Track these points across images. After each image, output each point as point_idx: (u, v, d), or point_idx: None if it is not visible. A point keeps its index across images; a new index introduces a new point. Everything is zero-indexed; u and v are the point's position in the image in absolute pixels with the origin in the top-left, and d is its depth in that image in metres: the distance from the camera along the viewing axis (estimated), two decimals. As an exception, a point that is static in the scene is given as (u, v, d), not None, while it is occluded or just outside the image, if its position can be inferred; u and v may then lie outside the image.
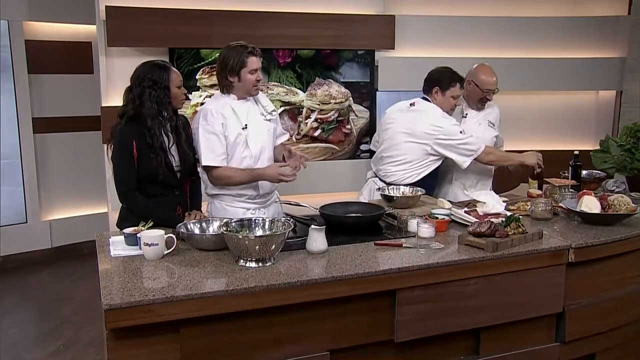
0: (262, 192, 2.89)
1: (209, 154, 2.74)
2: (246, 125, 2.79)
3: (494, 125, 3.45)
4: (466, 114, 3.39)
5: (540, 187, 3.17)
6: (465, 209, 2.67)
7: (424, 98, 3.23)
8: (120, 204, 2.67)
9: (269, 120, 2.91)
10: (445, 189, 3.38)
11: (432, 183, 3.25)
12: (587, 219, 2.62)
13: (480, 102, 3.35)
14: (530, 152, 3.26)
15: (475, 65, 3.36)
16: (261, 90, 2.98)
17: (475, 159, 3.14)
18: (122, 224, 2.56)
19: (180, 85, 2.62)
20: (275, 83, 4.39)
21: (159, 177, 2.55)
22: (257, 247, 2.00)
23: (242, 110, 2.81)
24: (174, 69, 2.64)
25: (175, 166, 2.63)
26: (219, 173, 2.77)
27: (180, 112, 2.76)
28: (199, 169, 2.85)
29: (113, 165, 2.57)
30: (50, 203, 5.15)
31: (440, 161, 3.19)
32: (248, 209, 2.88)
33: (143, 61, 2.66)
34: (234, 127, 2.78)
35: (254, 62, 2.74)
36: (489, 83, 3.27)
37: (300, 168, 2.77)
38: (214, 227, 2.33)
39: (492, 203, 2.67)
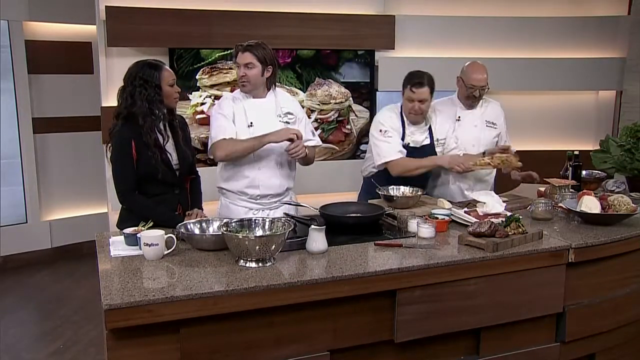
0: (265, 192, 2.87)
1: (217, 131, 2.79)
2: (252, 123, 2.80)
3: (494, 124, 3.35)
4: (459, 117, 3.28)
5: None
6: (465, 209, 2.67)
7: None
8: (121, 205, 2.67)
9: (286, 122, 2.88)
10: (444, 191, 3.35)
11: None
12: (587, 219, 2.62)
13: (467, 99, 3.25)
14: (450, 154, 3.11)
15: (467, 63, 3.28)
16: (280, 87, 3.04)
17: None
18: (122, 224, 2.56)
19: (172, 83, 2.61)
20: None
21: (158, 175, 2.56)
22: (257, 247, 2.00)
23: (252, 107, 2.83)
24: (167, 67, 2.63)
25: (174, 164, 2.64)
26: (221, 144, 2.75)
27: (179, 112, 2.77)
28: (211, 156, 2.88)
29: (112, 166, 2.58)
30: (50, 203, 5.15)
31: None
32: (250, 209, 2.88)
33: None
34: (240, 122, 2.80)
35: (238, 57, 2.79)
36: (473, 79, 3.15)
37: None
38: (213, 227, 2.33)
39: (492, 203, 2.66)
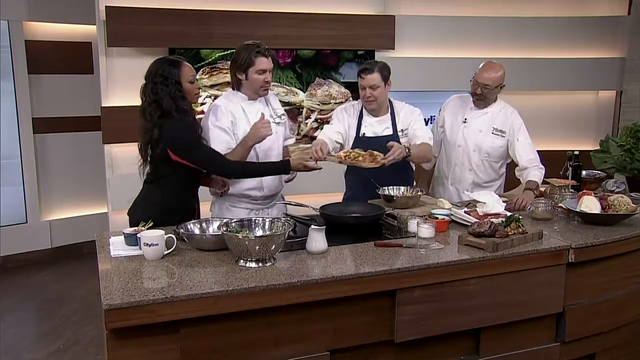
0: (268, 192, 2.90)
1: (216, 146, 2.76)
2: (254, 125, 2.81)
3: (502, 132, 3.16)
4: (465, 119, 3.22)
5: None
6: (465, 209, 2.67)
7: None
8: (127, 205, 2.70)
9: (278, 123, 2.93)
10: (442, 193, 3.31)
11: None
12: (587, 219, 2.62)
13: (472, 96, 3.16)
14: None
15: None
16: (271, 91, 3.01)
17: None
18: (135, 215, 2.58)
19: (192, 80, 2.62)
20: (275, 83, 4.39)
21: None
22: (257, 247, 2.00)
23: (251, 111, 2.83)
24: (187, 63, 2.64)
25: None
26: None
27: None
28: None
29: (197, 156, 2.55)
30: (50, 203, 5.15)
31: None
32: (252, 210, 2.90)
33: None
34: (242, 126, 2.80)
35: (263, 62, 2.75)
36: (478, 76, 3.07)
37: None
38: (213, 227, 2.33)
39: (492, 203, 2.66)
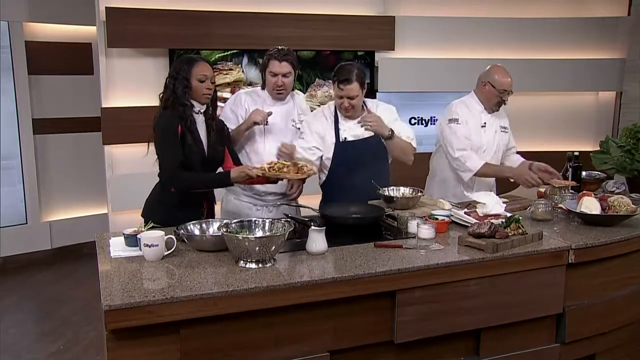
0: (270, 189, 2.90)
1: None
2: (267, 122, 2.85)
3: (505, 129, 3.32)
4: (485, 123, 3.23)
5: None
6: (465, 210, 2.67)
7: None
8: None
9: (299, 128, 2.95)
10: (461, 195, 3.26)
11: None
12: (587, 219, 2.62)
13: (497, 105, 3.20)
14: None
15: (489, 67, 3.21)
16: (297, 94, 3.11)
17: None
18: (150, 214, 2.57)
19: (203, 79, 2.61)
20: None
21: (191, 162, 2.59)
22: (257, 248, 2.00)
23: (271, 108, 2.87)
24: (203, 63, 2.64)
25: (206, 159, 2.68)
26: None
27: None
28: None
29: (158, 148, 2.57)
30: (50, 204, 5.15)
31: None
32: (254, 205, 2.93)
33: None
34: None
35: (274, 65, 2.82)
36: (505, 83, 3.12)
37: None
38: (213, 228, 2.33)
39: (492, 204, 2.66)
